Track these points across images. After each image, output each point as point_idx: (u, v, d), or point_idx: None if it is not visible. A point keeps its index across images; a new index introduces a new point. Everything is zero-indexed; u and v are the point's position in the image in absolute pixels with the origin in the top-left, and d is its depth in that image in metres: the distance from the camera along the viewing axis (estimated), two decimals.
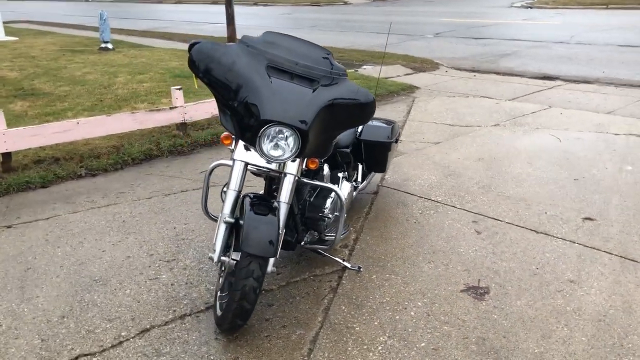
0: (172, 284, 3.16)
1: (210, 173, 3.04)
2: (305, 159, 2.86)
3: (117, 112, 5.57)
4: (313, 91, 2.66)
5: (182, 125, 6.06)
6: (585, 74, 9.25)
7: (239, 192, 2.76)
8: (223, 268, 2.77)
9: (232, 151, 2.80)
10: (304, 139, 2.58)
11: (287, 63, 2.69)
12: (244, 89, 2.58)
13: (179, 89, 5.90)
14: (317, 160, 2.88)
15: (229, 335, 2.68)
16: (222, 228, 2.69)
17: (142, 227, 3.88)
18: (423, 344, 2.59)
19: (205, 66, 2.73)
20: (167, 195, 4.48)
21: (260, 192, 2.98)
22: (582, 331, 2.65)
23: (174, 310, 2.91)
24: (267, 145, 2.58)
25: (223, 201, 3.09)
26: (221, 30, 16.54)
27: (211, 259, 2.67)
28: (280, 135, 2.56)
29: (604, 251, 3.38)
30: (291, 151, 2.60)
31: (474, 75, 9.43)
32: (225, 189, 3.14)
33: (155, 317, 2.85)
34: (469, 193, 4.30)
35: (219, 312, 2.70)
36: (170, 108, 5.87)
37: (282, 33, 2.84)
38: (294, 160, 2.72)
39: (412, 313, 2.83)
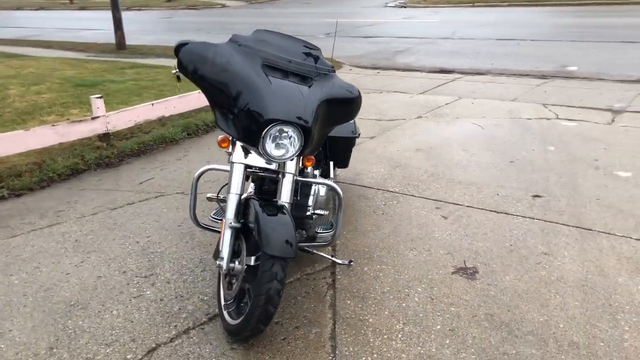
0: (160, 300, 2.99)
1: (197, 179, 2.92)
2: (302, 158, 2.84)
3: (36, 127, 5.12)
4: (309, 88, 2.66)
5: (105, 136, 5.72)
6: (476, 66, 9.91)
7: (241, 195, 2.68)
8: (230, 275, 2.66)
9: (230, 154, 2.71)
10: (306, 137, 2.56)
11: (281, 61, 2.66)
12: (244, 90, 2.51)
13: (100, 97, 5.56)
14: (312, 158, 2.86)
15: (244, 343, 2.60)
16: (228, 234, 2.60)
17: (101, 245, 3.63)
18: (439, 327, 2.68)
19: (198, 67, 2.63)
20: (113, 209, 4.22)
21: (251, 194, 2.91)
22: (572, 297, 2.87)
23: (175, 326, 2.77)
24: (270, 145, 2.53)
25: (218, 206, 2.99)
26: (103, 37, 15.72)
27: (220, 267, 2.58)
28: (283, 135, 2.53)
29: (562, 224, 3.68)
30: (294, 150, 2.57)
31: (378, 72, 9.76)
32: (211, 195, 3.05)
33: (158, 335, 2.70)
34: (421, 182, 4.48)
35: (232, 321, 2.61)
36: (92, 118, 5.52)
37: (271, 31, 2.80)
38: (292, 159, 2.69)
39: (417, 299, 2.91)
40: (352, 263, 3.25)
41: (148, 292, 3.07)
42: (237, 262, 2.61)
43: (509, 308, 2.80)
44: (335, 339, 2.62)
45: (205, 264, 3.33)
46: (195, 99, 6.50)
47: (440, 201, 4.10)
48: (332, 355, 2.51)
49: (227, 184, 3.45)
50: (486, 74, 9.33)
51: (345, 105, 2.83)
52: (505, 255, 3.32)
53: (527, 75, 9.02)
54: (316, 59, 2.81)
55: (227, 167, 2.98)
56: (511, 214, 3.84)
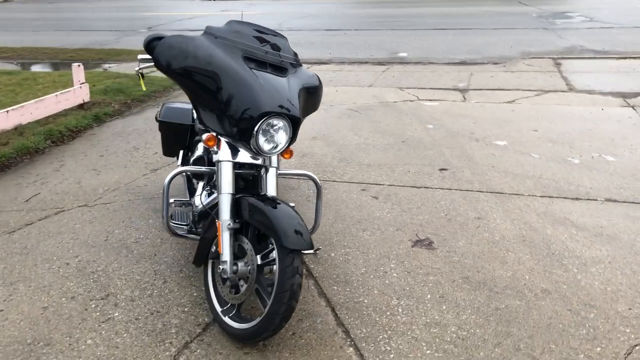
0: (136, 319, 2.75)
1: (169, 184, 2.73)
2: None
3: None
4: (286, 78, 2.65)
5: None
6: (317, 56, 10.31)
7: (234, 194, 2.58)
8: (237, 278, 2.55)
9: (215, 153, 2.58)
10: (295, 128, 2.57)
11: (259, 52, 2.61)
12: (231, 84, 2.43)
13: None
14: (291, 150, 2.84)
15: (256, 346, 2.53)
16: (227, 236, 2.50)
17: (23, 273, 3.20)
18: (429, 296, 2.87)
19: (179, 63, 2.47)
20: (11, 232, 3.71)
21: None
22: (521, 252, 3.26)
23: (171, 342, 2.58)
24: (261, 139, 2.49)
25: (173, 211, 2.82)
26: None
27: (224, 272, 2.46)
28: (273, 128, 2.50)
29: (476, 191, 4.10)
30: (284, 142, 2.56)
31: None
32: (177, 199, 2.87)
33: (157, 356, 2.49)
34: (335, 167, 4.63)
35: (239, 325, 2.52)
36: None
37: (244, 21, 2.72)
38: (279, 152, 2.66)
39: (395, 275, 3.07)
40: (318, 251, 3.29)
41: (116, 314, 2.80)
42: (240, 264, 2.50)
43: (477, 269, 3.08)
44: (344, 324, 2.65)
45: (163, 275, 3.12)
46: (54, 103, 5.88)
47: (363, 183, 4.28)
48: (348, 339, 2.55)
49: (191, 186, 3.27)
50: (329, 63, 9.74)
51: (314, 95, 2.86)
52: (446, 224, 3.61)
53: (366, 62, 9.62)
54: (285, 48, 2.79)
55: (201, 168, 2.84)
56: (431, 187, 4.17)
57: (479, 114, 6.07)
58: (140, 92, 7.20)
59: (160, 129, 3.66)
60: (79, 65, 6.37)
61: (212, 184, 3.01)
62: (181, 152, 3.64)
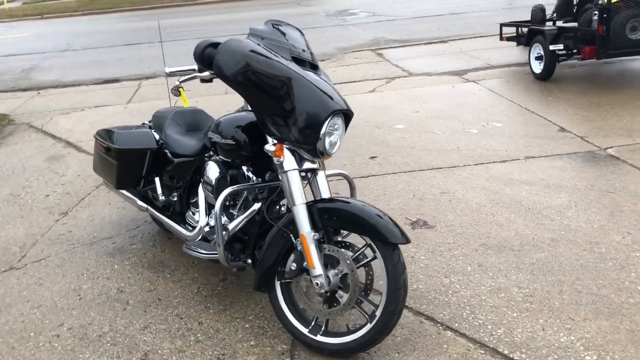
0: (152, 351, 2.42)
1: (222, 207, 2.46)
2: None
3: None
4: (323, 76, 2.59)
5: None
6: (129, 73, 9.71)
7: (307, 203, 2.42)
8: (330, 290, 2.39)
9: (280, 163, 2.38)
10: (347, 126, 2.53)
11: (299, 51, 2.49)
12: (294, 86, 2.29)
13: None
14: None
15: (356, 357, 2.42)
16: (314, 248, 2.34)
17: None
18: (469, 268, 3.02)
19: (243, 69, 2.24)
20: None
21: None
22: (505, 213, 3.58)
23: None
24: (327, 140, 2.40)
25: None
26: None
27: (321, 286, 2.33)
28: (334, 127, 2.43)
29: (418, 170, 4.37)
30: (340, 141, 2.50)
31: (38, 93, 8.60)
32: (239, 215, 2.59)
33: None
34: None
35: (337, 339, 2.40)
36: None
37: (279, 20, 2.55)
38: None
39: (423, 257, 3.15)
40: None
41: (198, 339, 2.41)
42: (330, 274, 2.36)
43: (486, 235, 3.32)
44: (422, 313, 2.67)
45: (190, 317, 2.80)
46: None
47: None
48: (438, 324, 2.58)
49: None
50: (152, 77, 9.26)
51: None
52: (422, 204, 3.79)
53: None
54: (308, 44, 2.68)
55: (246, 185, 2.59)
56: (377, 175, 4.32)
57: (356, 104, 6.34)
58: None
59: (117, 159, 3.18)
60: None
61: (239, 203, 2.74)
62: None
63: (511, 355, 2.33)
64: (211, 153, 2.96)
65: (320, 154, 2.38)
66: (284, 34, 2.45)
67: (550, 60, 6.46)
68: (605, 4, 5.75)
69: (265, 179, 2.64)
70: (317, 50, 10.61)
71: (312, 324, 2.44)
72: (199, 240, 2.88)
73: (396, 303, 2.25)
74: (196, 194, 3.08)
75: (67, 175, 4.83)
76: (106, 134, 3.29)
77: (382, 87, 7.11)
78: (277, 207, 2.75)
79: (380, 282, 2.45)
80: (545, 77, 6.60)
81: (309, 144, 2.32)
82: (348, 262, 2.32)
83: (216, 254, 2.64)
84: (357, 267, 2.33)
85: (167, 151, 3.20)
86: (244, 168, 2.73)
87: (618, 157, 4.28)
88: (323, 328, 2.43)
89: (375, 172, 4.35)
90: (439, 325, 2.56)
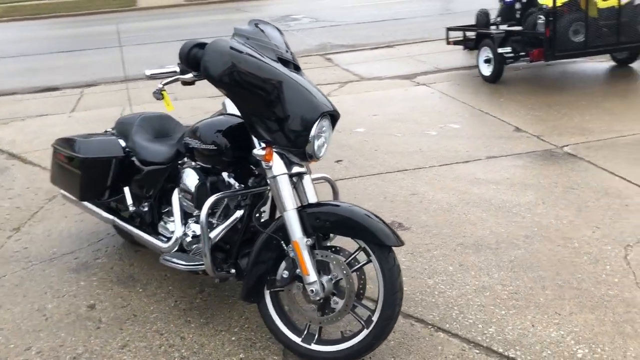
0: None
1: (207, 216, 2.36)
2: None
3: None
4: (306, 77, 2.54)
5: None
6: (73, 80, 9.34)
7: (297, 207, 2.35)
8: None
9: (269, 168, 2.31)
10: (333, 127, 2.49)
11: (284, 53, 2.43)
12: (283, 88, 2.23)
13: None
14: None
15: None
16: (307, 254, 2.27)
17: None
18: (451, 268, 3.02)
19: (230, 70, 2.16)
20: None
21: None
22: (476, 212, 3.62)
23: None
24: (316, 142, 2.35)
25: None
26: None
27: (316, 293, 2.26)
28: (322, 129, 2.38)
29: (385, 172, 4.37)
30: (329, 142, 2.46)
31: None
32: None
33: None
34: None
35: (338, 347, 2.34)
36: None
37: (260, 20, 2.47)
38: None
39: (404, 259, 3.13)
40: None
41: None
42: (324, 280, 2.30)
43: (461, 235, 3.34)
44: (411, 315, 2.65)
45: (171, 333, 2.66)
46: None
47: None
48: (429, 326, 2.56)
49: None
50: (94, 84, 8.93)
51: None
52: (395, 206, 3.79)
53: (140, 79, 9.06)
54: (288, 46, 2.62)
55: (233, 191, 2.50)
56: (345, 178, 4.29)
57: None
58: None
59: (81, 169, 3.01)
60: None
61: (219, 211, 2.64)
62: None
63: (506, 353, 2.34)
64: (185, 160, 2.84)
65: (309, 157, 2.31)
66: (265, 33, 2.37)
67: (499, 62, 6.64)
68: (550, 8, 5.96)
69: (248, 185, 2.54)
70: None
71: (305, 332, 2.37)
72: (175, 251, 2.75)
73: (393, 307, 2.22)
74: (168, 203, 2.95)
75: (15, 188, 4.55)
76: (67, 143, 3.11)
77: (337, 92, 7.10)
78: (257, 214, 2.65)
79: (370, 286, 2.41)
80: (494, 79, 6.78)
81: (298, 147, 2.25)
82: (342, 267, 2.26)
83: (198, 264, 2.53)
84: (352, 272, 2.27)
85: (134, 159, 3.05)
86: (225, 174, 2.63)
87: (575, 154, 4.42)
88: (316, 336, 2.36)
89: (342, 175, 4.31)
90: (430, 327, 2.54)
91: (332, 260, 2.28)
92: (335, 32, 12.60)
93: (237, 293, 2.87)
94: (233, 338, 2.55)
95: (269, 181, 2.31)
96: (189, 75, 2.35)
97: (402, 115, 5.82)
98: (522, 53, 6.53)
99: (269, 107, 2.19)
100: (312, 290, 2.23)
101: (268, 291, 2.41)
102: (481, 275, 2.90)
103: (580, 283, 2.78)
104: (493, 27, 7.77)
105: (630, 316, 2.52)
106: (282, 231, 2.32)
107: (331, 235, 2.43)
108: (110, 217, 3.15)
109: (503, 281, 2.84)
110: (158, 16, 19.11)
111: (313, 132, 2.23)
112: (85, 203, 3.25)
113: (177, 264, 2.59)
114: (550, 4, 6.05)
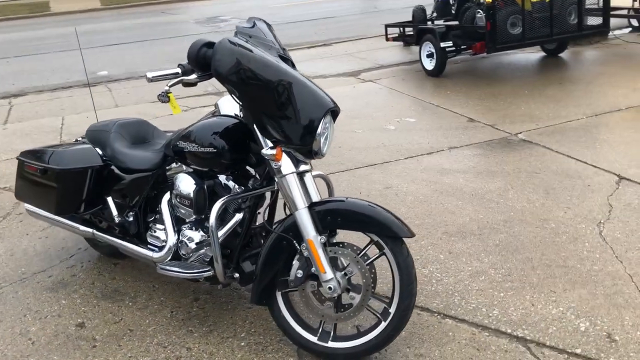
0: None
1: (217, 220, 2.32)
2: None
3: None
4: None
5: None
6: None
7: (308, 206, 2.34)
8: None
9: (278, 168, 2.28)
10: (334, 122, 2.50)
11: (281, 51, 2.42)
12: (290, 85, 2.22)
13: None
14: None
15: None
16: (322, 252, 2.27)
17: None
18: (442, 256, 3.09)
19: (240, 69, 2.13)
20: None
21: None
22: (453, 201, 3.72)
23: None
24: (322, 139, 2.35)
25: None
26: None
27: (334, 290, 2.26)
28: (326, 125, 2.39)
29: (355, 168, 4.41)
30: (331, 139, 2.48)
31: None
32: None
33: None
34: None
35: (355, 342, 2.34)
36: None
37: (258, 17, 2.44)
38: None
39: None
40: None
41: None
42: (338, 276, 2.30)
43: (444, 224, 3.43)
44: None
45: (175, 345, 2.57)
46: None
47: None
48: (436, 314, 2.62)
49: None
50: (21, 94, 8.47)
51: None
52: (372, 200, 3.80)
53: (70, 87, 8.68)
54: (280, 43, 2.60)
55: (241, 193, 2.45)
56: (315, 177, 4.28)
57: None
58: None
59: (58, 181, 2.85)
60: None
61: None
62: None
63: (515, 333, 2.42)
64: (174, 165, 2.75)
65: (314, 155, 2.30)
66: (262, 31, 2.34)
67: (442, 56, 6.83)
68: (489, 3, 6.20)
69: (248, 187, 2.50)
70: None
71: (320, 331, 2.35)
72: (169, 259, 2.66)
73: (410, 297, 2.24)
74: (154, 212, 2.85)
75: None
76: (38, 155, 2.93)
77: None
78: (268, 215, 2.62)
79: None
80: (437, 73, 6.98)
81: (306, 145, 2.23)
82: (357, 261, 2.26)
83: (202, 271, 2.46)
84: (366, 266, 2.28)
85: (114, 168, 2.92)
86: (223, 177, 2.56)
87: (530, 140, 4.63)
88: (332, 334, 2.35)
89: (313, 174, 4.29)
90: (436, 314, 2.59)
91: (345, 256, 2.28)
92: None
93: (234, 298, 2.83)
94: (242, 344, 2.49)
95: (277, 180, 2.27)
96: (193, 76, 2.29)
97: (356, 111, 5.87)
98: (463, 46, 6.76)
99: (279, 106, 2.16)
100: (330, 288, 2.22)
101: (279, 292, 2.38)
102: (472, 261, 2.98)
103: (565, 261, 2.91)
104: (429, 23, 7.98)
105: (619, 288, 2.66)
106: (292, 230, 2.29)
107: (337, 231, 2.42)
108: (89, 230, 3.00)
109: (494, 265, 2.93)
110: (74, 22, 18.31)
111: (320, 129, 2.21)
112: (59, 218, 3.08)
113: (179, 272, 2.50)
114: None
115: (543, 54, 7.69)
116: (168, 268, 2.55)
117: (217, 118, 2.52)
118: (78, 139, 3.19)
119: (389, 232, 2.22)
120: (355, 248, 2.32)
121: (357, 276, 2.28)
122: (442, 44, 6.74)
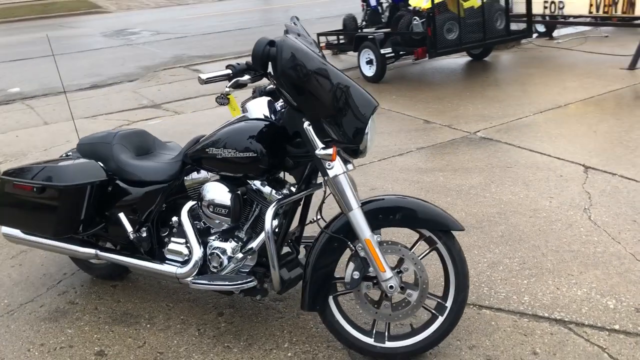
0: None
1: (272, 224, 2.24)
2: None
3: None
4: None
5: None
6: None
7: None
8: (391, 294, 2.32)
9: (331, 168, 2.25)
10: None
11: (318, 49, 2.40)
12: (342, 84, 2.21)
13: None
14: None
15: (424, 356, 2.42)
16: (378, 249, 2.27)
17: None
18: None
19: (306, 68, 2.09)
20: None
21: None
22: (441, 198, 3.82)
23: None
24: (368, 137, 2.36)
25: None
26: None
27: (395, 288, 2.26)
28: (371, 124, 2.40)
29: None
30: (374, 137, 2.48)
31: None
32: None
33: None
34: None
35: (412, 339, 2.35)
36: None
37: (296, 16, 2.40)
38: None
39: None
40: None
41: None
42: (395, 277, 2.30)
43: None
44: None
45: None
46: None
47: None
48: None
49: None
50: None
51: None
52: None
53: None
54: None
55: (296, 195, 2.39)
56: None
57: (216, 119, 6.12)
58: None
59: (60, 200, 2.62)
60: None
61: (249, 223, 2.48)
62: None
63: (553, 316, 2.52)
64: (193, 175, 2.62)
65: (359, 154, 2.28)
66: (305, 31, 2.31)
67: (382, 63, 7.00)
68: (428, 10, 6.45)
69: (291, 191, 2.42)
70: (117, 71, 9.89)
71: (374, 332, 2.32)
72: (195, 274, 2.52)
73: (465, 289, 2.28)
74: (165, 225, 2.69)
75: None
76: (31, 172, 2.68)
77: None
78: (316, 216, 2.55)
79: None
80: (377, 79, 7.14)
81: (356, 143, 2.21)
82: (412, 258, 2.26)
83: (249, 281, 2.35)
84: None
85: (119, 182, 2.73)
86: (257, 183, 2.47)
87: (490, 138, 4.85)
88: (386, 334, 2.33)
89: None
90: (472, 306, 2.64)
91: (399, 253, 2.27)
92: (184, 43, 12.25)
93: (261, 310, 2.73)
94: (289, 354, 2.40)
95: (327, 181, 2.22)
96: (246, 77, 2.20)
97: None
98: (402, 52, 6.97)
99: (334, 106, 2.13)
100: (391, 286, 2.20)
101: (331, 296, 2.32)
102: (485, 253, 3.07)
103: (570, 245, 3.08)
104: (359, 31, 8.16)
105: (627, 266, 2.85)
106: (343, 232, 2.25)
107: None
108: (92, 251, 2.77)
109: (507, 255, 3.04)
110: None
111: (368, 127, 2.20)
112: (51, 241, 2.82)
113: (220, 285, 2.38)
114: (421, 6, 6.56)
115: (469, 58, 8.09)
116: (205, 282, 2.41)
117: (248, 122, 2.42)
118: (69, 154, 2.94)
119: (442, 227, 2.24)
120: (402, 245, 2.31)
121: (408, 274, 2.27)
122: (382, 51, 6.90)
